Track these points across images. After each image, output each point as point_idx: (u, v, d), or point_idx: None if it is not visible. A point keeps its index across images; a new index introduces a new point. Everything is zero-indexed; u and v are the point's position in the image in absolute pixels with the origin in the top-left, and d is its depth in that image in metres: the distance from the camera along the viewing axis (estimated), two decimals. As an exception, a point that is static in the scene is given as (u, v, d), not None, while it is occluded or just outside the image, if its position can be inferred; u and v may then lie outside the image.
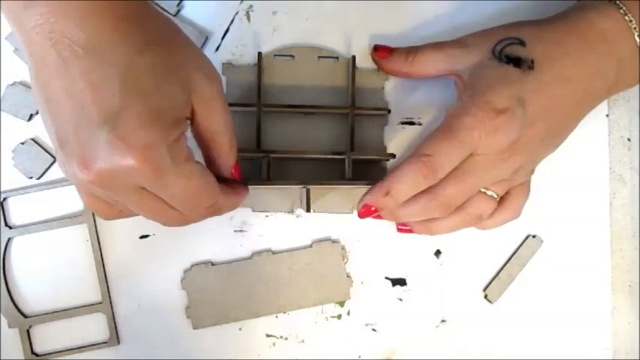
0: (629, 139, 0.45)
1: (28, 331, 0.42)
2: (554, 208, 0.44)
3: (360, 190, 0.38)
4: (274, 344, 0.43)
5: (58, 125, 0.29)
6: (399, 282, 0.43)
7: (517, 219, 0.40)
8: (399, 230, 0.41)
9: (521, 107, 0.34)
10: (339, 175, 0.41)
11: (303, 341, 0.43)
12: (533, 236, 0.44)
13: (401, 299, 0.43)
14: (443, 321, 0.44)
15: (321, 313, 0.43)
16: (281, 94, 0.42)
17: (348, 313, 0.43)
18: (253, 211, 0.41)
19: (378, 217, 0.37)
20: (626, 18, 0.35)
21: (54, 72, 0.28)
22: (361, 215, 0.37)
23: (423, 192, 0.36)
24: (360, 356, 0.43)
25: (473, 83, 0.36)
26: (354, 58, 0.42)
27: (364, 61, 0.43)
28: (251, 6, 0.43)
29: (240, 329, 0.43)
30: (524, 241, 0.44)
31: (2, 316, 0.42)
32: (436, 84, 0.43)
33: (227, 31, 0.43)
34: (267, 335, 0.43)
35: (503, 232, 0.41)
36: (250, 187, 0.38)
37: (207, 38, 0.42)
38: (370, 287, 0.43)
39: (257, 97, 0.41)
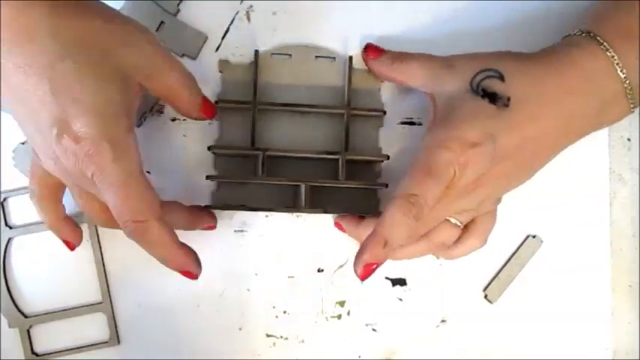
0: (629, 139, 0.45)
1: (28, 331, 0.42)
2: (554, 208, 0.44)
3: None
4: (274, 344, 0.43)
5: (22, 126, 0.33)
6: (399, 282, 0.43)
7: (517, 223, 0.40)
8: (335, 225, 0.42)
9: (491, 143, 0.34)
10: (333, 175, 0.41)
11: (303, 341, 0.43)
12: (533, 236, 0.44)
13: (401, 299, 0.43)
14: (443, 321, 0.44)
15: (321, 313, 0.43)
16: (277, 92, 0.42)
17: (348, 313, 0.43)
18: (247, 207, 0.40)
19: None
20: (608, 54, 0.34)
21: (3, 84, 0.31)
22: (364, 277, 0.35)
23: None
24: (360, 356, 0.43)
25: (447, 114, 0.35)
26: (350, 58, 0.41)
27: (361, 62, 0.42)
28: (251, 6, 0.43)
29: (240, 329, 0.43)
30: (524, 241, 0.44)
31: (2, 316, 0.42)
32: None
33: (227, 31, 0.43)
34: (267, 335, 0.43)
35: (503, 232, 0.41)
36: (244, 183, 0.39)
37: (207, 38, 0.42)
38: (370, 287, 0.43)
39: (253, 95, 0.41)
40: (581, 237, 0.44)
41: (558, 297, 0.44)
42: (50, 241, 0.42)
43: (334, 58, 0.42)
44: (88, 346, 0.42)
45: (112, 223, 0.34)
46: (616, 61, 0.34)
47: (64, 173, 0.33)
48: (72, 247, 0.40)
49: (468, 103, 0.35)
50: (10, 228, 0.42)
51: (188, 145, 0.42)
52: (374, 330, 0.43)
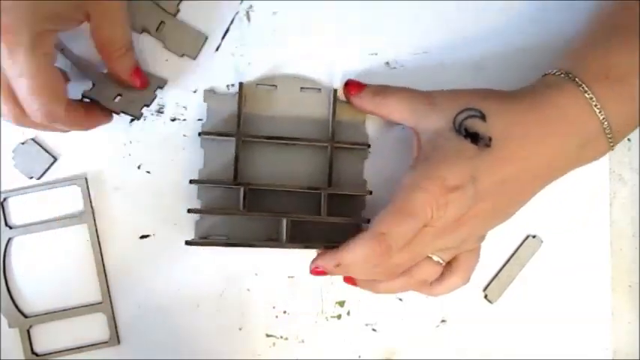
0: (629, 139, 0.45)
1: (28, 331, 0.42)
2: (554, 208, 0.44)
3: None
4: (274, 344, 0.43)
5: None
6: (399, 282, 0.43)
7: (517, 223, 0.40)
8: (345, 281, 0.41)
9: (472, 185, 0.34)
10: (316, 208, 0.41)
11: (303, 341, 0.43)
12: (533, 236, 0.44)
13: (401, 299, 0.43)
14: (443, 321, 0.44)
15: (321, 313, 0.43)
16: (262, 123, 0.42)
17: (348, 313, 0.43)
18: (228, 242, 0.40)
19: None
20: (587, 95, 0.34)
21: None
22: (312, 273, 0.38)
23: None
24: (360, 356, 0.43)
25: (429, 153, 0.35)
26: (335, 91, 0.41)
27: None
28: (251, 6, 0.43)
29: (240, 329, 0.43)
30: (524, 241, 0.44)
31: (2, 316, 0.42)
32: (436, 85, 0.43)
33: (227, 31, 0.43)
34: (267, 335, 0.43)
35: (503, 232, 0.41)
36: (226, 216, 0.40)
37: (206, 38, 0.42)
38: (370, 287, 0.43)
39: (237, 127, 0.40)
40: (581, 237, 0.44)
41: (558, 297, 0.44)
42: (50, 241, 0.42)
43: (319, 89, 0.42)
44: (88, 346, 0.42)
45: (22, 119, 0.36)
46: (594, 103, 0.34)
47: None
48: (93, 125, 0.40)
49: (450, 142, 0.35)
50: (10, 228, 0.42)
51: (187, 146, 0.42)
52: (374, 330, 0.43)
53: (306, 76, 0.42)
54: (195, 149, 0.42)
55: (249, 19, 0.43)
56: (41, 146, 0.42)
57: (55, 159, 0.42)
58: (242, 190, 0.39)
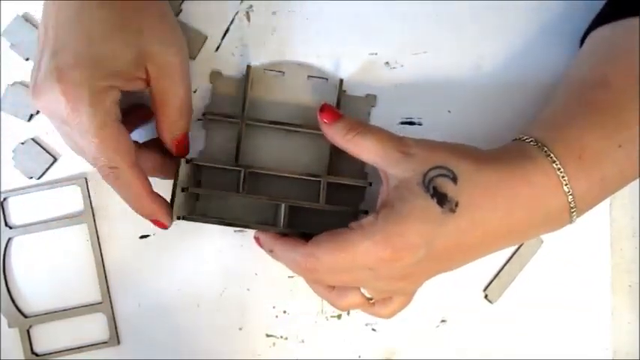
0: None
1: (28, 331, 0.42)
2: (554, 208, 0.44)
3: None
4: (274, 344, 0.43)
5: (35, 57, 0.35)
6: (399, 282, 0.43)
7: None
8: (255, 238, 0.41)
9: (427, 248, 0.33)
10: (315, 196, 0.41)
11: (303, 341, 0.43)
12: (533, 236, 0.44)
13: (401, 299, 0.43)
14: (443, 321, 0.44)
15: (321, 313, 0.43)
16: (267, 108, 0.42)
17: (348, 313, 0.43)
18: (223, 221, 0.40)
19: None
20: (559, 173, 0.34)
21: (45, 13, 0.34)
22: (255, 239, 0.40)
23: (301, 241, 0.37)
24: (360, 356, 0.43)
25: (394, 202, 0.34)
26: (341, 81, 0.41)
27: (353, 86, 0.42)
28: (251, 6, 0.43)
29: (240, 329, 0.43)
30: (524, 241, 0.44)
31: (2, 316, 0.42)
32: (436, 85, 0.43)
33: (227, 31, 0.43)
34: (267, 335, 0.43)
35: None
36: (223, 196, 0.40)
37: (206, 38, 0.42)
38: (370, 287, 0.43)
39: (241, 111, 0.41)
40: (581, 237, 0.44)
41: (558, 297, 0.44)
42: (50, 241, 0.42)
43: (326, 79, 0.42)
44: (88, 346, 0.42)
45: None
46: (565, 182, 0.34)
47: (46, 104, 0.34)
48: (165, 226, 0.38)
49: (417, 199, 0.33)
50: (10, 228, 0.42)
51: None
52: (374, 330, 0.43)
53: (314, 65, 0.43)
54: (195, 149, 0.42)
55: (249, 19, 0.43)
56: (41, 146, 0.42)
57: (55, 159, 0.42)
58: (242, 172, 0.39)
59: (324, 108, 0.38)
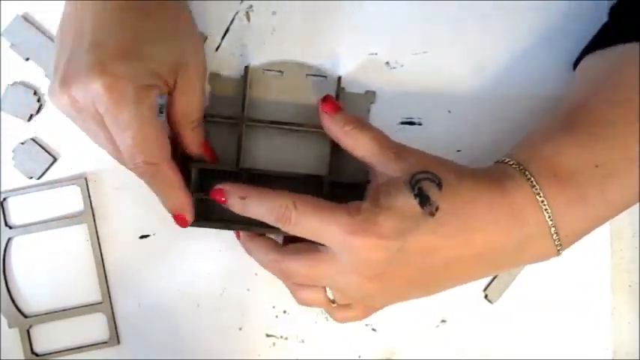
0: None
1: (28, 331, 0.42)
2: (554, 208, 0.44)
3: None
4: (274, 344, 0.43)
5: (57, 52, 0.34)
6: (399, 282, 0.43)
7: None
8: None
9: (400, 244, 0.33)
10: (318, 195, 0.40)
11: (303, 341, 0.43)
12: (533, 236, 0.44)
13: (401, 299, 0.43)
14: (443, 321, 0.44)
15: (321, 313, 0.43)
16: (266, 108, 0.42)
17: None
18: (227, 226, 0.40)
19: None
20: (534, 190, 0.33)
21: (77, 11, 0.34)
22: (212, 194, 0.38)
23: (273, 244, 0.38)
24: (360, 356, 0.43)
25: (379, 196, 0.34)
26: (339, 78, 0.41)
27: (352, 83, 0.42)
28: (251, 6, 0.43)
29: (240, 329, 0.43)
30: (524, 241, 0.44)
31: (2, 316, 0.42)
32: (436, 85, 0.43)
33: (227, 31, 0.43)
34: (267, 335, 0.43)
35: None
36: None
37: (207, 38, 0.42)
38: (370, 287, 0.43)
39: (241, 111, 0.41)
40: (581, 237, 0.44)
41: (558, 297, 0.44)
42: (50, 241, 0.42)
43: (325, 77, 0.42)
44: (88, 346, 0.42)
45: (117, 155, 0.36)
46: (541, 199, 0.33)
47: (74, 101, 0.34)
48: (187, 223, 0.39)
49: (400, 195, 0.34)
50: (10, 228, 0.42)
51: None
52: (374, 330, 0.43)
53: (312, 64, 0.43)
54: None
55: (249, 19, 0.43)
56: (41, 146, 0.42)
57: (55, 159, 0.42)
58: (244, 175, 0.39)
59: (326, 99, 0.39)
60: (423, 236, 0.33)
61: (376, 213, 0.34)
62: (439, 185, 0.34)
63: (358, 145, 0.37)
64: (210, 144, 0.40)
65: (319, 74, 0.42)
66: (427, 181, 0.34)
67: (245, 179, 0.39)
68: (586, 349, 0.44)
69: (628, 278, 0.45)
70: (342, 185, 0.40)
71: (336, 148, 0.40)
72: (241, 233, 0.40)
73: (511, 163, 0.35)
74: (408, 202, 0.34)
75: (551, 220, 0.34)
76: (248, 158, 0.42)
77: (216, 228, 0.40)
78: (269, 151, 0.42)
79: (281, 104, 0.42)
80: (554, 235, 0.34)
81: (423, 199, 0.34)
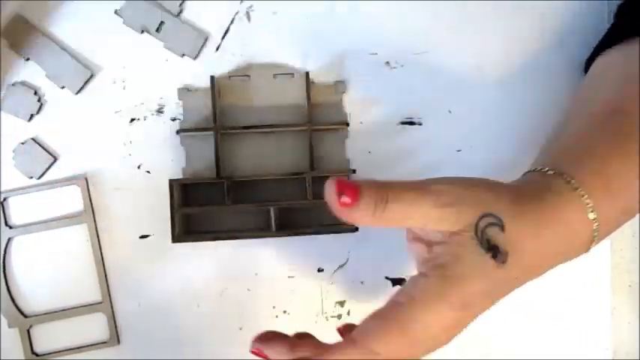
0: (629, 139, 0.45)
1: (28, 331, 0.42)
2: (554, 208, 0.44)
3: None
4: (274, 344, 0.43)
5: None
6: (399, 282, 0.43)
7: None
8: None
9: (485, 303, 0.32)
10: (302, 194, 0.41)
11: (303, 341, 0.43)
12: (533, 236, 0.44)
13: (401, 299, 0.43)
14: (443, 321, 0.44)
15: (321, 313, 0.43)
16: (239, 114, 0.42)
17: (348, 313, 0.43)
18: (216, 237, 0.40)
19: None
20: (588, 208, 0.32)
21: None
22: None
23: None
24: (360, 356, 0.43)
25: (446, 261, 0.31)
26: (307, 74, 0.41)
27: (320, 76, 0.42)
28: (251, 6, 0.43)
29: (240, 329, 0.43)
30: (524, 241, 0.44)
31: (2, 316, 0.42)
32: (436, 85, 0.43)
33: (227, 31, 0.43)
34: (267, 335, 0.43)
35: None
36: (211, 210, 0.40)
37: (207, 38, 0.42)
38: (370, 287, 0.43)
39: (213, 121, 0.40)
40: (581, 237, 0.44)
41: (558, 297, 0.44)
42: (50, 241, 0.42)
43: (292, 74, 0.42)
44: (88, 346, 0.42)
45: None
46: (594, 216, 0.32)
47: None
48: None
49: (473, 255, 0.30)
50: (10, 228, 0.42)
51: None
52: (374, 330, 0.43)
53: (278, 63, 0.42)
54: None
55: (249, 19, 0.43)
56: (41, 146, 0.42)
57: (55, 159, 0.42)
58: (225, 184, 0.39)
59: (341, 186, 0.30)
60: (502, 288, 0.32)
61: (457, 285, 0.30)
62: (502, 227, 0.31)
63: (398, 220, 0.31)
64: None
65: (286, 72, 0.42)
66: (490, 227, 0.31)
67: (227, 188, 0.39)
68: (586, 349, 0.44)
69: (628, 278, 0.45)
70: (324, 179, 0.41)
71: (314, 143, 0.41)
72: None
73: (556, 175, 0.33)
74: (482, 260, 0.30)
75: (596, 234, 0.33)
76: (228, 166, 0.42)
77: (204, 240, 0.41)
78: (248, 156, 0.42)
79: (253, 108, 0.42)
80: (594, 239, 0.34)
81: (494, 250, 0.31)
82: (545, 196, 0.33)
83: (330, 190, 0.30)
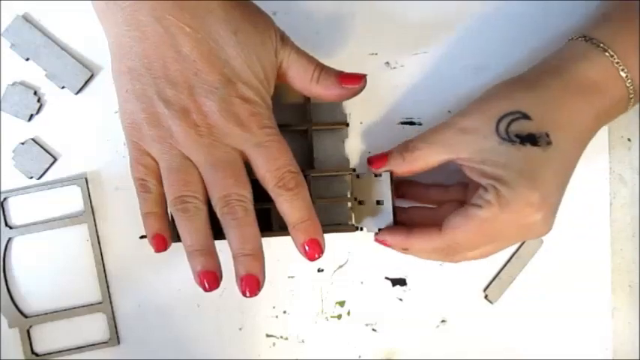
0: (629, 139, 0.45)
1: (28, 331, 0.42)
2: (554, 208, 0.44)
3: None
4: (274, 344, 0.43)
5: (160, 87, 0.33)
6: (399, 282, 0.43)
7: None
8: (376, 240, 0.40)
9: (555, 196, 0.33)
10: None
11: (303, 341, 0.43)
12: (534, 236, 0.44)
13: (401, 299, 0.43)
14: (443, 321, 0.44)
15: (321, 313, 0.43)
16: None
17: (348, 313, 0.43)
18: (216, 237, 0.40)
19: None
20: (616, 66, 0.34)
21: (159, 43, 0.32)
22: (376, 241, 0.39)
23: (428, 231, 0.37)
24: (360, 356, 0.43)
25: (494, 173, 0.33)
26: None
27: None
28: (251, 6, 0.43)
29: (240, 329, 0.43)
30: (524, 241, 0.44)
31: (2, 316, 0.42)
32: (436, 85, 0.43)
33: (227, 31, 0.43)
34: (267, 335, 0.43)
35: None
36: (212, 210, 0.39)
37: (207, 38, 0.42)
38: (370, 287, 0.43)
39: None
40: (581, 237, 0.44)
41: (558, 297, 0.44)
42: (50, 241, 0.42)
43: None
44: (88, 346, 0.42)
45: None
46: (622, 67, 0.34)
47: (188, 140, 0.33)
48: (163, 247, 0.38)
49: (512, 156, 0.32)
50: (10, 228, 0.42)
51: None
52: (374, 330, 0.43)
53: None
54: None
55: (249, 19, 0.43)
56: (41, 146, 0.42)
57: (55, 159, 0.42)
58: None
59: (370, 160, 0.39)
60: (562, 165, 0.33)
61: (515, 188, 0.32)
62: (526, 116, 0.33)
63: (427, 160, 0.37)
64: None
65: None
66: (514, 122, 0.33)
67: None
68: (586, 349, 0.44)
69: (628, 278, 0.45)
70: (325, 178, 0.41)
71: (315, 143, 0.41)
72: (390, 239, 0.38)
73: (580, 38, 0.35)
74: (523, 154, 0.32)
75: (632, 90, 0.34)
76: None
77: None
78: None
79: None
80: (631, 96, 0.34)
81: (531, 139, 0.32)
82: (568, 63, 0.34)
83: (368, 164, 0.39)
